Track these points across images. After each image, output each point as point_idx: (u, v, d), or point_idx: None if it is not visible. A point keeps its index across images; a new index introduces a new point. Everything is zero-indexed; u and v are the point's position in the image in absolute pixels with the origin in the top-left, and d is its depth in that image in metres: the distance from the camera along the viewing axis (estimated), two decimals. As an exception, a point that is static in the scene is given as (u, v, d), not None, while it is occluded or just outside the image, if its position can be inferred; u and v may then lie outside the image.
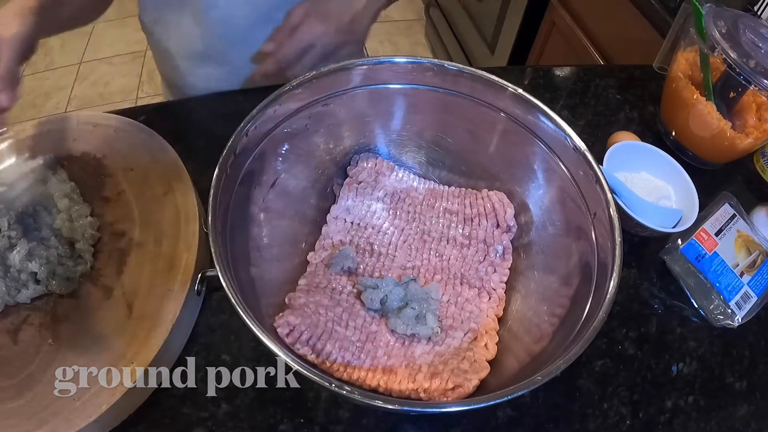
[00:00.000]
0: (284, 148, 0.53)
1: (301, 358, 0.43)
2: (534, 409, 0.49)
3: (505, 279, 0.53)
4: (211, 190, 0.42)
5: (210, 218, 0.41)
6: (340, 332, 0.47)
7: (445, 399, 0.43)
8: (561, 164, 0.50)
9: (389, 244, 0.55)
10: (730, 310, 0.55)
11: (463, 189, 0.59)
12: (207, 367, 0.49)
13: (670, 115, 0.70)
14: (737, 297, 0.56)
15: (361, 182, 0.58)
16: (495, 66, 1.29)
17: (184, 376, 0.48)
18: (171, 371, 0.48)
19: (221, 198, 0.43)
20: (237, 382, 0.48)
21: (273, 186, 0.52)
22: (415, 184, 0.60)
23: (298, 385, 0.48)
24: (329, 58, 0.57)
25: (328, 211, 0.56)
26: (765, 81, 0.57)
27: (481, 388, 0.44)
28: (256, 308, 0.43)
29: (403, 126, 0.58)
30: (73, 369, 0.44)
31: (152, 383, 0.47)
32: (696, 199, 0.60)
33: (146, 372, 0.44)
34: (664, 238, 0.60)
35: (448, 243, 0.55)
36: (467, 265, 0.54)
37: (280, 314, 0.45)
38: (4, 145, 0.58)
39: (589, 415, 0.49)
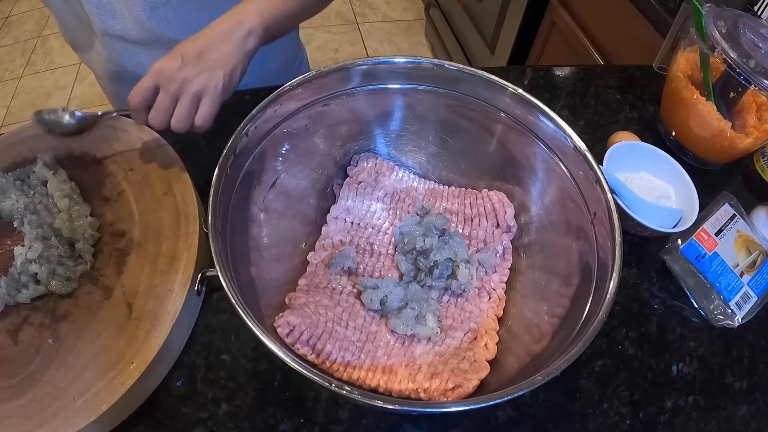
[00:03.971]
0: (284, 148, 0.53)
1: (301, 358, 0.43)
2: (534, 409, 0.49)
3: (505, 279, 0.53)
4: (211, 190, 0.42)
5: (210, 218, 0.41)
6: (340, 332, 0.47)
7: (445, 399, 0.43)
8: (561, 164, 0.50)
9: (389, 244, 0.56)
10: (730, 310, 0.55)
11: (463, 189, 0.59)
12: (207, 367, 0.49)
13: (670, 115, 0.70)
14: (737, 297, 0.56)
15: (361, 182, 0.58)
16: (495, 66, 1.29)
17: (184, 376, 0.48)
18: (171, 371, 0.48)
19: (221, 198, 0.44)
20: (237, 382, 0.48)
21: (273, 186, 0.52)
22: (415, 184, 0.60)
23: (298, 385, 0.48)
24: (188, 92, 0.49)
25: (328, 211, 0.57)
26: (765, 81, 0.57)
27: (481, 388, 0.44)
28: (256, 308, 0.43)
29: (403, 126, 0.58)
30: (74, 369, 0.44)
31: (152, 383, 0.47)
32: (696, 199, 0.60)
33: (146, 372, 0.44)
34: (664, 238, 0.60)
35: (448, 243, 0.55)
36: (467, 265, 0.54)
37: (280, 314, 0.45)
38: (4, 146, 0.58)
39: (589, 415, 0.49)
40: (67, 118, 0.55)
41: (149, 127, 0.51)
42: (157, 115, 0.49)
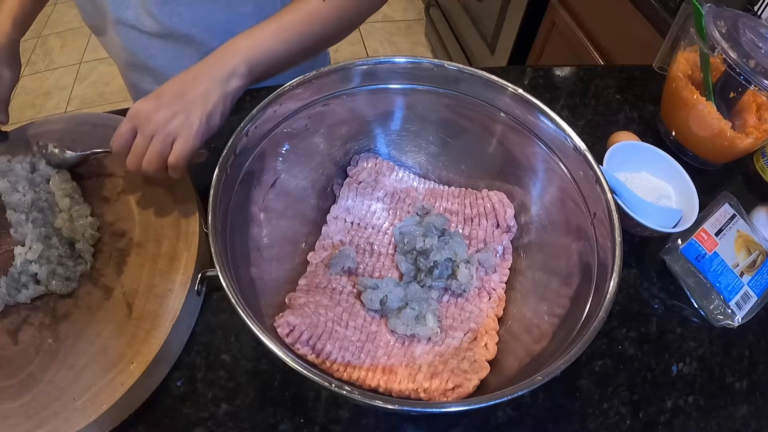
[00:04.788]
0: (284, 148, 0.53)
1: (301, 358, 0.43)
2: (534, 409, 0.49)
3: (505, 279, 0.53)
4: (211, 190, 0.42)
5: (210, 218, 0.41)
6: (340, 332, 0.47)
7: (445, 399, 0.43)
8: (561, 164, 0.50)
9: (389, 244, 0.56)
10: (730, 310, 0.55)
11: (463, 189, 0.59)
12: (207, 367, 0.49)
13: (670, 115, 0.70)
14: (737, 297, 0.56)
15: (361, 182, 0.58)
16: (495, 66, 1.29)
17: (184, 376, 0.48)
18: (171, 371, 0.48)
19: (221, 198, 0.44)
20: (237, 382, 0.48)
21: (273, 186, 0.52)
22: (415, 184, 0.60)
23: (298, 385, 0.48)
24: (161, 133, 0.48)
25: (328, 211, 0.57)
26: (765, 81, 0.57)
27: (481, 388, 0.44)
28: (256, 308, 0.43)
29: (403, 126, 0.58)
30: (74, 369, 0.44)
31: (152, 383, 0.47)
32: (696, 199, 0.60)
33: (146, 372, 0.44)
34: (664, 238, 0.60)
35: (448, 243, 0.55)
36: (467, 265, 0.54)
37: (280, 314, 0.45)
38: (5, 145, 0.58)
39: (589, 415, 0.49)
40: (68, 154, 0.56)
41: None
42: (131, 158, 0.48)
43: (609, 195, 0.45)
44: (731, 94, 0.65)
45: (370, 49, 2.20)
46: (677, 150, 0.69)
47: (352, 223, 0.56)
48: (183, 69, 0.51)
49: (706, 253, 0.58)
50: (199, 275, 0.48)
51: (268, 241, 0.50)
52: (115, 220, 0.53)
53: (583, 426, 0.49)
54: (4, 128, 0.59)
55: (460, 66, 0.52)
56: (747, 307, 0.56)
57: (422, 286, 0.51)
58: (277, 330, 0.44)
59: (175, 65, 0.49)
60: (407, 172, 0.60)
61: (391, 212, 0.58)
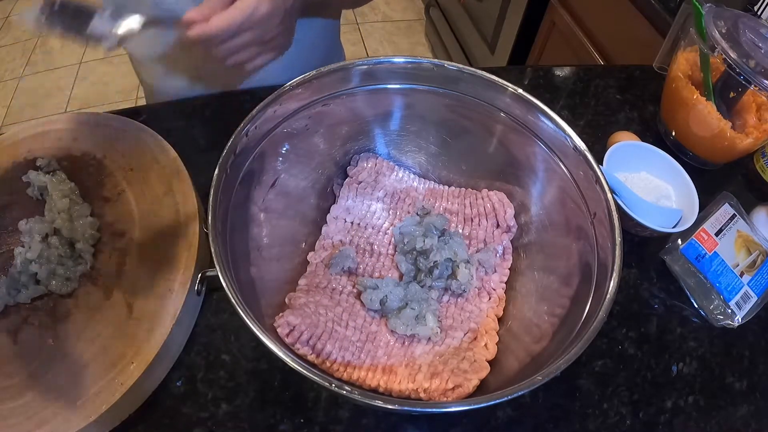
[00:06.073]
0: (284, 148, 0.53)
1: (301, 358, 0.43)
2: (534, 409, 0.49)
3: (505, 279, 0.53)
4: (211, 190, 0.42)
5: (210, 218, 0.41)
6: (340, 332, 0.47)
7: (445, 399, 0.43)
8: (561, 164, 0.50)
9: (389, 244, 0.56)
10: (730, 310, 0.55)
11: (463, 189, 0.59)
12: (207, 367, 0.49)
13: (670, 115, 0.70)
14: (737, 297, 0.56)
15: (361, 182, 0.58)
16: (495, 66, 1.29)
17: (184, 376, 0.48)
18: (171, 371, 0.48)
19: (221, 198, 0.43)
20: (237, 382, 0.48)
21: (273, 186, 0.52)
22: (415, 184, 0.60)
23: (298, 385, 0.48)
24: (261, 52, 0.50)
25: (328, 211, 0.57)
26: (765, 81, 0.57)
27: (481, 388, 0.44)
28: (256, 308, 0.43)
29: (403, 126, 0.58)
30: (74, 369, 0.44)
31: (152, 383, 0.47)
32: (696, 199, 0.60)
33: (146, 372, 0.44)
34: (664, 238, 0.60)
35: (448, 243, 0.55)
36: (467, 265, 0.54)
37: (280, 314, 0.45)
38: (3, 146, 0.58)
39: (589, 415, 0.49)
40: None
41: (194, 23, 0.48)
42: (230, 48, 0.49)
43: (609, 195, 0.45)
44: (731, 94, 0.65)
45: (370, 49, 2.20)
46: (677, 150, 0.69)
47: (352, 223, 0.56)
48: (217, 61, 0.52)
49: (706, 253, 0.58)
50: (199, 275, 0.47)
51: (268, 241, 0.50)
52: (115, 220, 0.53)
53: (583, 426, 0.49)
54: (5, 127, 0.59)
55: (460, 66, 0.52)
56: (747, 307, 0.56)
57: (422, 286, 0.51)
58: (277, 330, 0.44)
59: (209, 57, 0.51)
60: (407, 172, 0.60)
61: (391, 212, 0.58)
